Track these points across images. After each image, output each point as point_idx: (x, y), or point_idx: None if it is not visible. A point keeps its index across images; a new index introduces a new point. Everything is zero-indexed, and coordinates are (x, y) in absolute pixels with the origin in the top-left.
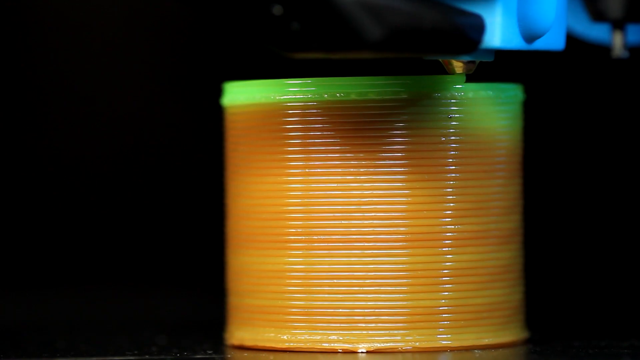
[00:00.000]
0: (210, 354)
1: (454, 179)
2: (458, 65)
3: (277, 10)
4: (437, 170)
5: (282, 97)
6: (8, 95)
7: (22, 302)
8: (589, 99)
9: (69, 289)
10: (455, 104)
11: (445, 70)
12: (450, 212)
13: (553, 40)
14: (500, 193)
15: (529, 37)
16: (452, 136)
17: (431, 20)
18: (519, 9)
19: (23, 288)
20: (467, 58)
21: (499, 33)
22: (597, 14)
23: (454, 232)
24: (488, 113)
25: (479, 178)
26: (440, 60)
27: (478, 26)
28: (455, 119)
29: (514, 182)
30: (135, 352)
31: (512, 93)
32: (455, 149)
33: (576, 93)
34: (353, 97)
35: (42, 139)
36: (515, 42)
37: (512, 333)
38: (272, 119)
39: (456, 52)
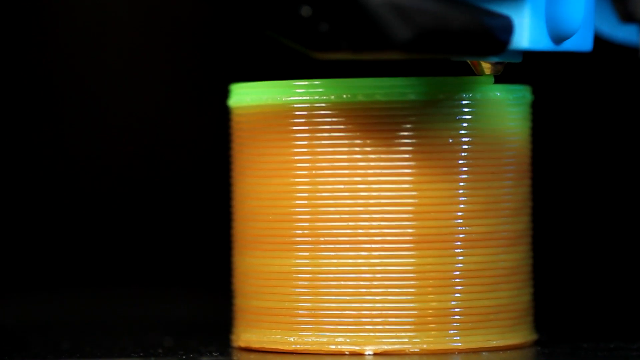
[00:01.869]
0: (216, 355)
1: (463, 180)
2: (486, 67)
3: (305, 11)
4: (446, 172)
5: (288, 99)
6: (12, 96)
7: (27, 304)
8: (597, 100)
9: (74, 291)
10: (464, 105)
11: (464, 71)
12: (459, 213)
13: (581, 42)
14: (509, 194)
15: (557, 38)
16: (461, 137)
17: (459, 22)
18: (548, 9)
19: (28, 289)
20: (495, 59)
21: (527, 34)
22: (626, 15)
23: (463, 233)
24: (497, 114)
25: (487, 179)
26: (468, 61)
27: (506, 27)
28: (464, 120)
29: (523, 183)
30: (141, 353)
31: (521, 94)
32: (464, 150)
33: (584, 93)
34: (360, 98)
35: (49, 140)
36: (544, 43)
37: (521, 335)
38: (279, 120)
39: (484, 54)
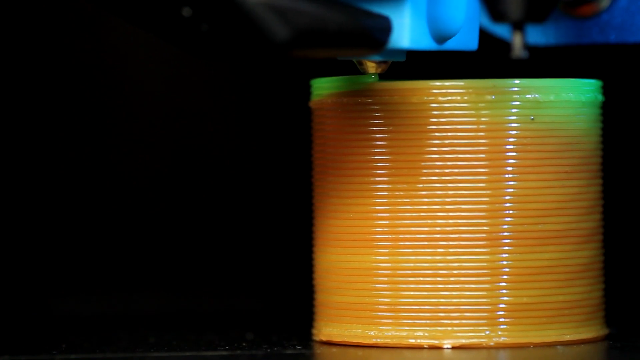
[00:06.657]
0: (299, 349)
1: (534, 179)
2: (370, 65)
3: (186, 12)
4: (519, 171)
5: (368, 98)
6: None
7: (111, 299)
8: None
9: (159, 287)
10: (536, 106)
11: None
12: (531, 211)
13: (465, 41)
14: (580, 193)
15: (440, 38)
16: (533, 138)
17: (336, 21)
18: (429, 10)
19: (110, 286)
20: (377, 58)
21: (408, 34)
22: (497, 15)
23: (536, 231)
24: (568, 115)
25: (559, 179)
26: (353, 60)
27: (384, 27)
28: (535, 121)
29: (594, 182)
30: (227, 347)
31: (592, 95)
32: (537, 151)
33: None
34: (439, 99)
35: (112, 146)
36: (426, 43)
37: (593, 329)
38: (360, 120)
39: (362, 53)
